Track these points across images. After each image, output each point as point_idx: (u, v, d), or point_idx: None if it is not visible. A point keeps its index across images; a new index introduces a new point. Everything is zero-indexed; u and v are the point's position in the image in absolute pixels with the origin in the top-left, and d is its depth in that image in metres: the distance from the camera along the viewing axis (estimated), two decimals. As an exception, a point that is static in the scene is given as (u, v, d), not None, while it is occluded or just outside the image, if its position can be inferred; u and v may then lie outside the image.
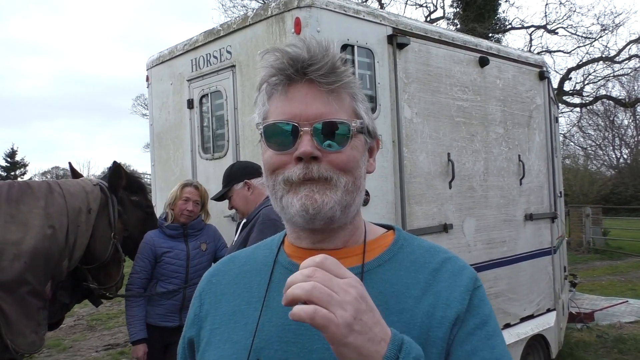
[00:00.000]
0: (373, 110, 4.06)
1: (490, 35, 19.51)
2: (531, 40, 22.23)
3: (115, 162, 3.80)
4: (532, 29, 21.89)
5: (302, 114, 0.94)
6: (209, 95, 4.50)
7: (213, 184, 4.47)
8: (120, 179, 3.55)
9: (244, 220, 3.19)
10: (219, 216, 4.25)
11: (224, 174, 3.35)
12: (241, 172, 3.27)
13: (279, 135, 0.95)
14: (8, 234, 2.77)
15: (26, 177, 45.39)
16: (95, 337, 8.04)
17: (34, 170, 48.86)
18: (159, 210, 4.31)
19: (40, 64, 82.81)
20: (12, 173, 45.22)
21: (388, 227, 1.11)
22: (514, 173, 5.34)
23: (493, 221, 5.02)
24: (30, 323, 2.83)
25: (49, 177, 52.17)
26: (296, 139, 0.93)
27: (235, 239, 3.18)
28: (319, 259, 0.78)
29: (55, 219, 2.99)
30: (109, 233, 3.36)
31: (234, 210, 4.27)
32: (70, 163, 3.82)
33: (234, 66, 4.26)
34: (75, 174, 3.68)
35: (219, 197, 3.39)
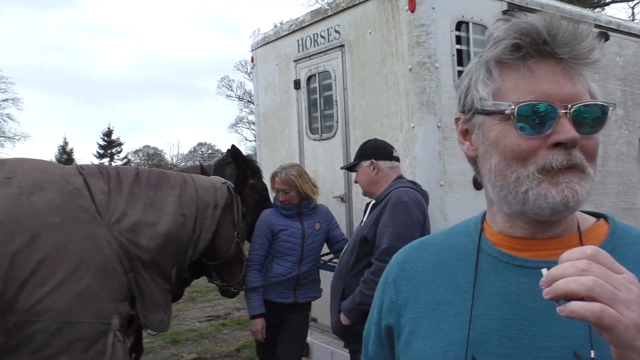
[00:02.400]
0: (487, 88, 3.92)
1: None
2: (633, 13, 20.56)
3: (233, 146, 3.91)
4: (635, 0, 20.23)
5: (557, 94, 0.86)
6: (317, 75, 4.52)
7: (321, 165, 4.53)
8: (245, 180, 3.67)
9: (373, 202, 3.20)
10: (328, 197, 4.30)
11: (359, 147, 3.40)
12: (372, 151, 3.27)
13: (533, 117, 0.86)
14: (146, 215, 2.94)
15: (121, 155, 48.29)
16: (197, 308, 8.47)
17: (127, 149, 51.73)
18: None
19: (120, 45, 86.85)
20: (109, 151, 48.24)
21: (597, 215, 1.04)
22: (634, 158, 4.99)
23: (611, 209, 4.72)
24: (160, 302, 3.00)
25: (140, 155, 55.21)
26: (552, 122, 0.85)
27: (365, 219, 3.20)
28: (590, 250, 0.71)
29: (187, 208, 3.13)
30: (232, 232, 3.47)
31: (343, 192, 4.32)
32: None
33: (342, 46, 4.24)
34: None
35: (349, 168, 3.46)
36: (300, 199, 3.78)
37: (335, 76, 4.31)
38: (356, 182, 3.42)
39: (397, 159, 3.35)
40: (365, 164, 3.28)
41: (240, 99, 46.64)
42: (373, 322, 1.14)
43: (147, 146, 55.69)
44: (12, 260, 2.46)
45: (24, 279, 2.47)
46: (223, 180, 3.53)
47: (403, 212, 2.95)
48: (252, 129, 45.73)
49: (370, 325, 1.16)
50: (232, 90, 46.66)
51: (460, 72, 3.84)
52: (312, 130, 4.63)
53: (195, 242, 3.21)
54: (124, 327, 2.78)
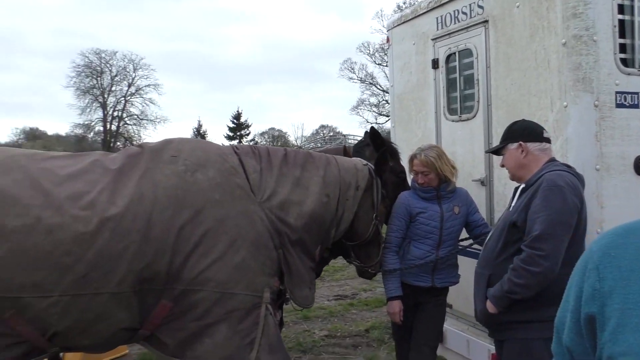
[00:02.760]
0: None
1: None
2: None
3: (372, 128, 3.91)
4: None
5: None
6: (457, 53, 4.36)
7: (460, 147, 4.38)
8: (385, 163, 3.65)
9: (522, 185, 3.03)
10: (467, 180, 4.15)
11: (505, 129, 3.20)
12: (520, 132, 3.08)
13: None
14: (293, 194, 3.05)
15: (249, 138, 50.78)
16: (324, 287, 8.70)
17: (254, 131, 54.27)
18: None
19: (247, 30, 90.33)
20: (238, 133, 50.94)
21: None
22: None
23: None
24: (306, 278, 3.11)
25: (265, 137, 57.61)
26: None
27: (513, 204, 3.04)
28: None
29: (331, 189, 3.20)
30: (371, 214, 3.48)
31: (484, 175, 4.15)
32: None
33: (486, 22, 4.03)
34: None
35: (494, 152, 3.27)
36: (439, 182, 3.69)
37: (477, 54, 4.12)
38: (502, 165, 3.24)
39: (548, 141, 3.12)
40: (513, 146, 3.10)
41: (362, 81, 46.77)
42: (569, 310, 1.09)
43: (272, 128, 57.95)
44: (179, 233, 2.68)
45: (189, 251, 2.68)
46: (364, 161, 3.54)
47: (557, 197, 2.75)
48: (374, 111, 45.71)
49: (564, 313, 1.11)
50: (354, 73, 46.89)
51: (622, 45, 3.49)
52: (451, 111, 4.48)
53: (338, 223, 3.27)
54: (274, 300, 2.92)
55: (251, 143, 48.65)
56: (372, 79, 46.69)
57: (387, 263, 3.68)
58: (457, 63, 4.37)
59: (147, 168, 2.80)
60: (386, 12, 44.46)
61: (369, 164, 3.56)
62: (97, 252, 2.52)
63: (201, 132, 50.45)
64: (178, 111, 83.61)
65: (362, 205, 3.41)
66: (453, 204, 3.74)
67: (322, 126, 58.96)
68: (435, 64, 4.58)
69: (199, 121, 68.91)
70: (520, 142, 3.03)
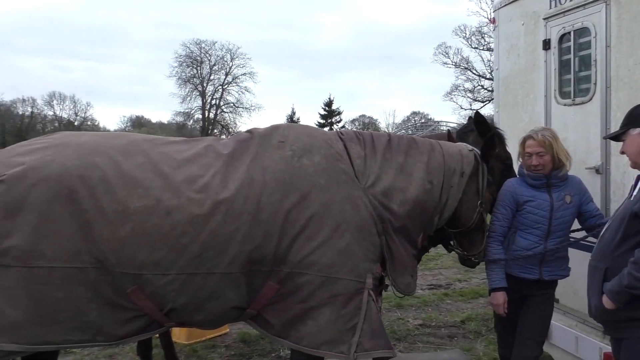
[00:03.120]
0: None
1: None
2: None
3: (477, 113, 3.75)
4: None
5: None
6: (571, 33, 4.06)
7: (572, 132, 4.10)
8: (493, 148, 3.47)
9: None
10: (580, 167, 3.89)
11: (627, 113, 2.95)
12: None
13: None
14: (397, 181, 3.02)
15: (340, 125, 51.05)
16: (418, 275, 8.55)
17: (345, 118, 54.48)
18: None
19: (337, 17, 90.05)
20: (329, 120, 51.34)
21: None
22: None
23: None
24: (409, 266, 3.06)
25: (356, 124, 57.61)
26: None
27: (635, 193, 2.81)
28: None
29: (434, 175, 3.13)
30: (476, 201, 3.35)
31: (599, 162, 3.86)
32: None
33: (608, -3, 3.72)
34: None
35: (613, 137, 3.03)
36: (552, 167, 3.47)
37: (596, 33, 3.82)
38: (623, 152, 2.99)
39: None
40: (636, 131, 2.84)
41: (456, 66, 45.30)
42: None
43: (363, 115, 57.90)
44: (286, 216, 2.73)
45: (295, 234, 2.73)
46: (470, 147, 3.41)
47: None
48: (468, 97, 44.23)
49: None
50: (448, 57, 45.52)
51: None
52: (563, 94, 4.20)
53: (442, 210, 3.19)
54: (376, 286, 2.91)
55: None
56: (467, 63, 45.10)
57: (491, 253, 3.53)
58: (571, 43, 4.08)
59: (256, 153, 2.87)
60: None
61: (475, 149, 3.42)
62: (211, 233, 2.63)
63: (294, 119, 51.40)
64: (272, 99, 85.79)
65: (466, 192, 3.30)
66: (564, 192, 3.51)
67: (414, 113, 58.03)
68: (546, 44, 4.31)
69: (292, 108, 70.20)
70: None
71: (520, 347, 3.55)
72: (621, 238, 2.74)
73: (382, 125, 56.19)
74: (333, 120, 51.59)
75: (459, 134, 3.89)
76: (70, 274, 2.54)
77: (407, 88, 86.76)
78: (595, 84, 3.85)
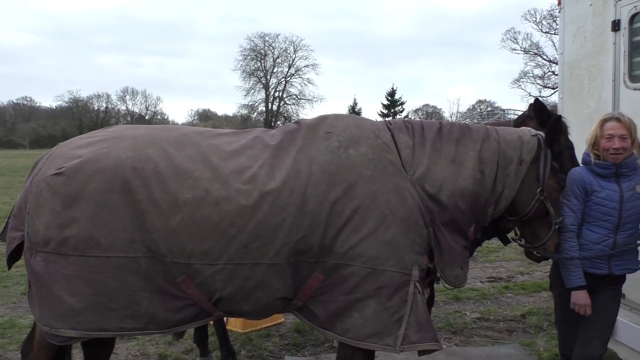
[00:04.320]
0: None
1: None
2: None
3: (537, 100, 3.53)
4: None
5: None
6: (643, 12, 3.79)
7: (644, 119, 3.84)
8: (559, 133, 3.21)
9: None
10: (651, 157, 3.63)
11: None
12: None
13: None
14: (446, 171, 2.92)
15: (403, 115, 50.42)
16: (477, 268, 8.36)
17: (408, 108, 53.69)
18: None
19: (400, 4, 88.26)
20: (392, 110, 50.81)
21: None
22: None
23: None
24: (458, 258, 2.96)
25: (420, 114, 56.63)
26: None
27: None
28: None
29: (487, 164, 2.99)
30: (535, 188, 3.12)
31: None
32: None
33: (684, -28, 3.44)
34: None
35: None
36: (629, 153, 3.25)
37: (670, 11, 3.55)
38: None
39: None
40: None
41: (525, 52, 43.57)
42: None
43: (427, 105, 56.91)
44: (332, 207, 2.71)
45: (341, 225, 2.71)
46: (534, 132, 3.19)
47: None
48: (538, 83, 42.51)
49: None
50: (517, 43, 43.84)
51: None
52: (633, 78, 3.94)
53: (497, 200, 3.04)
54: (422, 279, 2.85)
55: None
56: (537, 49, 43.33)
57: (566, 250, 3.33)
58: (643, 23, 3.81)
59: (303, 144, 2.87)
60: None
61: (540, 133, 3.19)
62: (257, 224, 2.66)
63: (356, 110, 51.23)
64: (335, 90, 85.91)
65: (525, 179, 3.09)
66: (634, 182, 3.28)
67: (480, 101, 56.41)
68: (616, 25, 4.04)
69: (354, 99, 70.02)
70: None
71: (584, 345, 3.37)
72: None
73: (447, 114, 55.03)
74: (396, 110, 51.00)
75: (516, 123, 3.71)
76: (124, 263, 2.64)
77: (473, 76, 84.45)
78: (668, 66, 3.58)
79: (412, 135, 2.97)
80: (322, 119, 3.04)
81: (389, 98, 50.99)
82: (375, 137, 2.92)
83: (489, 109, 49.98)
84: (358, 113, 49.69)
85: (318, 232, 2.70)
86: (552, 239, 3.25)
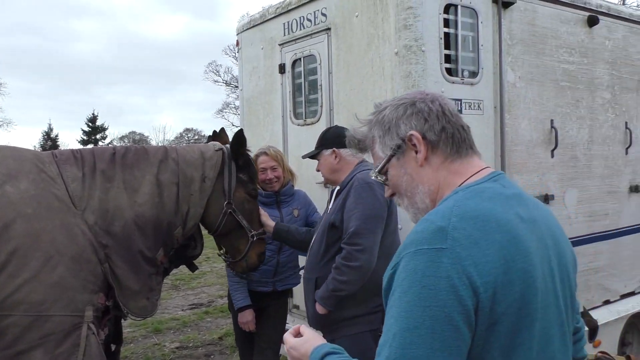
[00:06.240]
0: (475, 74, 3.85)
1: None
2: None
3: (222, 129, 3.67)
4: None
5: None
6: (302, 59, 4.41)
7: (305, 150, 4.38)
8: (242, 146, 3.24)
9: (337, 188, 3.14)
10: (311, 182, 4.22)
11: (319, 136, 3.30)
12: (332, 140, 3.20)
13: None
14: (120, 200, 2.79)
15: (106, 142, 47.75)
16: (179, 296, 8.38)
17: (112, 135, 51.16)
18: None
19: (94, 26, 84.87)
20: (93, 137, 47.63)
21: None
22: (620, 141, 4.96)
23: (596, 193, 4.72)
24: (143, 289, 2.86)
25: (126, 141, 54.56)
26: None
27: (330, 206, 3.14)
28: None
29: (165, 187, 2.92)
30: (222, 201, 3.12)
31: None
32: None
33: (329, 29, 4.13)
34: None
35: (311, 157, 3.36)
36: (283, 182, 3.72)
37: (320, 60, 4.21)
38: (318, 170, 3.37)
39: None
40: (327, 152, 3.24)
41: (227, 84, 46.26)
42: None
43: (133, 132, 55.14)
44: None
45: None
46: (219, 146, 3.20)
47: (368, 193, 2.92)
48: (239, 114, 45.43)
49: None
50: (219, 76, 46.22)
51: (447, 56, 3.76)
52: (296, 115, 4.53)
53: (184, 221, 2.98)
54: (98, 318, 2.69)
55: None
56: (237, 82, 46.35)
57: (231, 274, 3.60)
58: (302, 68, 4.43)
59: None
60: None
61: (225, 147, 3.22)
62: None
63: (52, 136, 46.38)
64: (27, 114, 76.17)
65: (212, 194, 3.08)
66: (292, 207, 3.78)
67: (187, 129, 57.30)
68: (282, 68, 4.60)
69: (49, 124, 63.09)
70: (334, 149, 3.15)
71: (258, 356, 3.70)
72: (325, 248, 3.02)
73: (154, 142, 54.26)
74: (98, 137, 48.04)
75: (209, 138, 3.80)
76: None
77: (178, 105, 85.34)
78: (321, 106, 4.23)
79: (81, 165, 2.78)
80: None
81: (90, 124, 47.83)
82: (39, 170, 2.65)
83: (196, 137, 51.30)
84: (54, 139, 45.18)
85: None
86: (253, 250, 3.26)
